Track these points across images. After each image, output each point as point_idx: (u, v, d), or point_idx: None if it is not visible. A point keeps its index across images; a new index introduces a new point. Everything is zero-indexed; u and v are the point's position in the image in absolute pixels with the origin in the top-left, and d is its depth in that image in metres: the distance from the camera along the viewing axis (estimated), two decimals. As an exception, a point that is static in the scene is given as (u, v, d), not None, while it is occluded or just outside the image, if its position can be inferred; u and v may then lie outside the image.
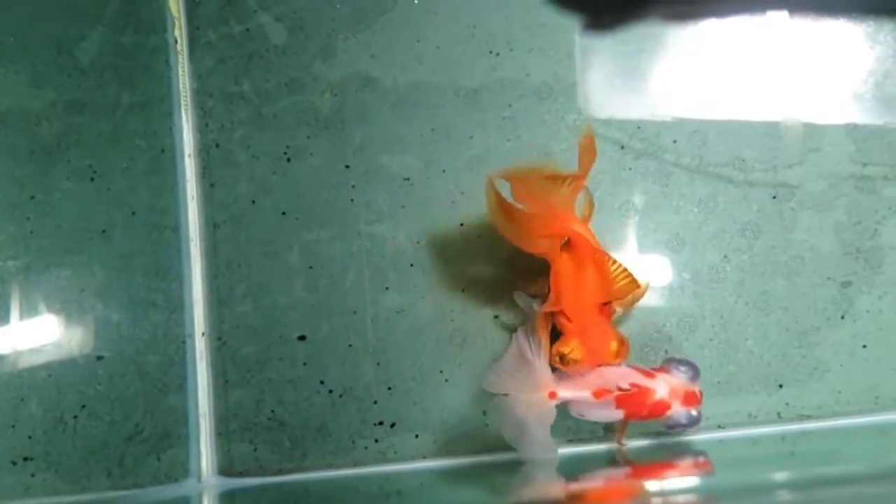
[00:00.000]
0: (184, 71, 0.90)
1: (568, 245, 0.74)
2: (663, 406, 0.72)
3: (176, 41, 0.90)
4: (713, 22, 0.83)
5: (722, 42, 0.86)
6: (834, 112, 0.84)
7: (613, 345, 0.73)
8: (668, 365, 0.73)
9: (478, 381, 0.82)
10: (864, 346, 0.81)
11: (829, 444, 0.79)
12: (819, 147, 0.84)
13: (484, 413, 0.83)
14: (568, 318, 0.73)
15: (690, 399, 0.72)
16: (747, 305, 0.83)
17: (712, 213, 0.84)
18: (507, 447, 0.73)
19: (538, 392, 0.71)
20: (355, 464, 0.83)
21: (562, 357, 0.72)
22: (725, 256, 0.83)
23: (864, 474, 0.65)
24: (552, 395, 0.71)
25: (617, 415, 0.72)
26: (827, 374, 0.81)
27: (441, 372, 0.84)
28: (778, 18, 0.86)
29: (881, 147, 0.83)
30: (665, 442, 0.81)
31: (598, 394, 0.72)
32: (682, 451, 0.80)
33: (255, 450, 0.84)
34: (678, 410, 0.72)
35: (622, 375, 0.72)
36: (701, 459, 0.78)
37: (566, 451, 0.82)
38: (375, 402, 0.84)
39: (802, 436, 0.79)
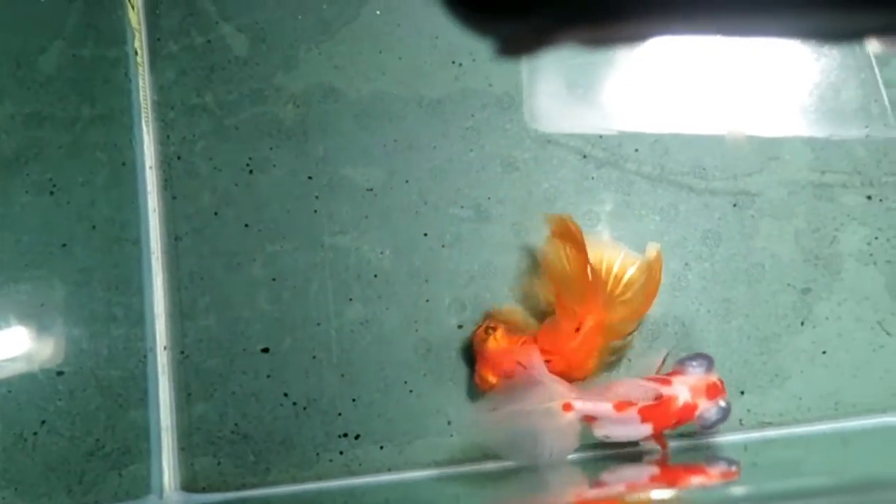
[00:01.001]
0: (145, 83, 0.90)
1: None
2: (691, 409, 0.71)
3: (136, 53, 0.89)
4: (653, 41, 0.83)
5: (678, 55, 0.87)
6: (792, 121, 0.85)
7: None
8: (680, 366, 0.73)
9: (443, 391, 0.82)
10: (824, 353, 0.81)
11: (791, 455, 0.80)
12: (778, 155, 0.84)
13: (448, 423, 0.83)
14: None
15: (713, 391, 0.72)
16: (709, 313, 0.83)
17: (674, 221, 0.85)
18: (474, 458, 0.73)
19: (551, 403, 0.71)
20: (319, 477, 0.82)
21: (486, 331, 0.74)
22: (687, 264, 0.84)
23: (827, 488, 0.65)
24: (567, 406, 0.71)
25: (645, 430, 0.71)
26: (787, 380, 0.81)
27: (405, 383, 0.84)
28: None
29: (839, 155, 0.84)
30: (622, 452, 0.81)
31: (620, 406, 0.71)
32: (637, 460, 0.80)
33: (219, 464, 0.83)
34: (707, 407, 0.71)
35: (639, 388, 0.71)
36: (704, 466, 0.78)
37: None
38: (340, 414, 0.84)
39: (765, 444, 0.79)
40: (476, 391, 0.80)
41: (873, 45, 0.26)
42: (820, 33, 0.28)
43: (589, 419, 0.72)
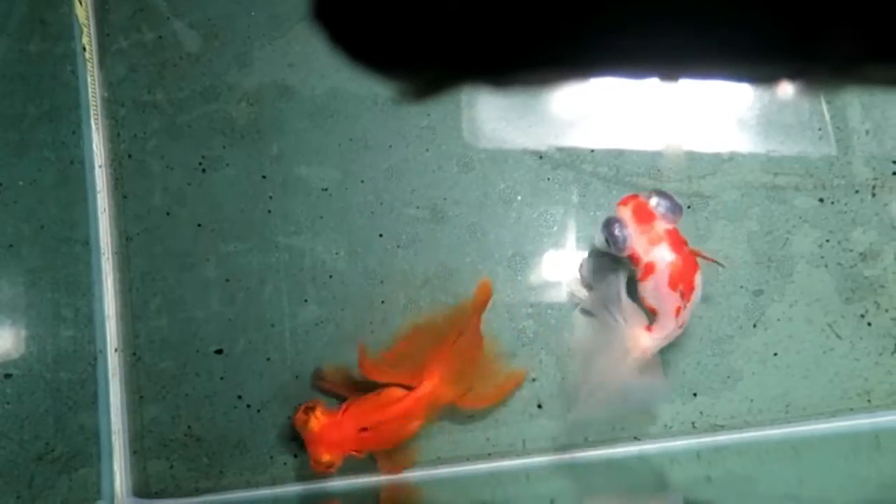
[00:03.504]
0: (94, 79, 0.88)
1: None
2: (681, 241, 0.74)
3: (84, 49, 0.87)
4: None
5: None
6: (746, 125, 0.85)
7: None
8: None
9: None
10: (776, 354, 0.82)
11: (744, 466, 0.81)
12: (732, 157, 0.85)
13: (403, 426, 0.83)
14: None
15: (645, 217, 0.74)
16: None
17: (629, 222, 0.84)
18: (430, 462, 0.73)
19: (633, 329, 0.76)
20: (274, 481, 0.82)
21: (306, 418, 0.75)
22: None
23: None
24: (649, 328, 0.76)
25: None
26: (739, 382, 0.82)
27: (361, 385, 0.84)
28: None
29: (791, 158, 0.85)
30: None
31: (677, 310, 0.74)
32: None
33: (172, 467, 0.83)
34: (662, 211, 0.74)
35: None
36: None
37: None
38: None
39: (717, 452, 0.80)
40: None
41: (793, 88, 0.26)
42: (746, 77, 0.28)
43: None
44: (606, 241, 0.74)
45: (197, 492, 0.82)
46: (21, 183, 0.85)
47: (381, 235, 0.86)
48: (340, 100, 0.88)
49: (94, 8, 0.89)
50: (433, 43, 0.23)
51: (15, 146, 0.85)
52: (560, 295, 0.84)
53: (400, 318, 0.84)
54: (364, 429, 0.76)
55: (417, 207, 0.86)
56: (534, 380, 0.83)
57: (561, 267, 0.84)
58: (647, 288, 0.74)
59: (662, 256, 0.73)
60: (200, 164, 0.87)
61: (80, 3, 0.87)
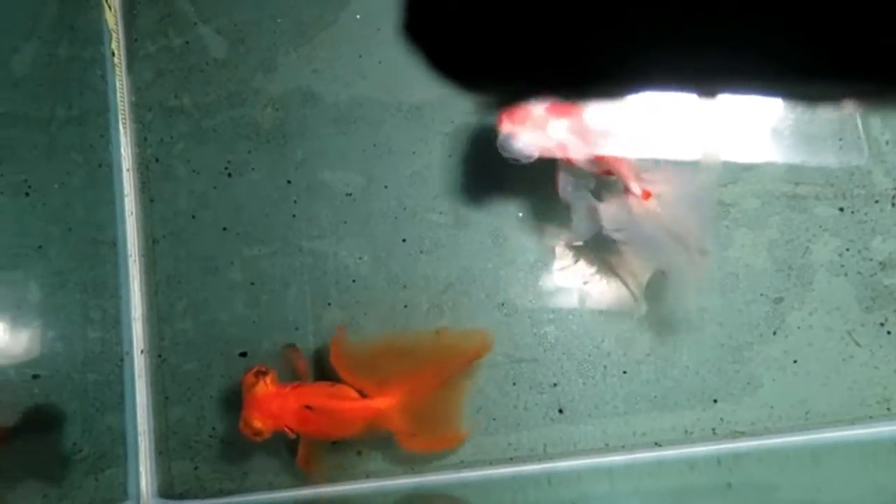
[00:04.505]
0: (122, 84, 0.89)
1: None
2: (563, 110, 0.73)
3: (113, 54, 0.89)
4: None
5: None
6: (768, 134, 0.86)
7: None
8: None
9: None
10: (795, 362, 0.83)
11: (764, 473, 0.81)
12: (752, 167, 0.85)
13: (425, 429, 0.84)
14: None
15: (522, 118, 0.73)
16: (683, 321, 0.84)
17: (650, 230, 0.85)
18: (453, 466, 0.74)
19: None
20: (296, 482, 0.83)
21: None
22: (662, 272, 0.85)
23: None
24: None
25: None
26: (759, 389, 0.83)
27: (383, 388, 0.84)
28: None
29: (812, 167, 0.85)
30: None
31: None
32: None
33: (196, 468, 0.83)
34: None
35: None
36: None
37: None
38: (317, 420, 0.84)
39: (737, 459, 0.81)
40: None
41: (849, 108, 0.27)
42: (772, 94, 0.29)
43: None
44: (515, 160, 0.73)
45: (221, 493, 0.83)
46: (50, 185, 0.86)
47: (404, 240, 0.86)
48: (364, 106, 0.89)
49: (123, 13, 0.90)
50: (511, 59, 0.24)
51: (44, 149, 0.86)
52: (582, 301, 0.84)
53: (423, 322, 0.85)
54: (307, 407, 0.75)
55: (440, 213, 0.86)
56: (555, 385, 0.84)
57: (587, 274, 0.85)
58: (580, 160, 0.74)
59: (559, 131, 0.73)
60: (226, 168, 0.88)
61: (110, 8, 0.88)
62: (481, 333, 0.82)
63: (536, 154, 0.73)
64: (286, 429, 0.76)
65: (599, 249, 0.84)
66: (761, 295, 0.84)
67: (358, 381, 0.78)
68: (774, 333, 0.83)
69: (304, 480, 0.82)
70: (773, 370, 0.83)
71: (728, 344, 0.84)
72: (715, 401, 0.83)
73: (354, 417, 0.77)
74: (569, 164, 0.75)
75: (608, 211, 0.76)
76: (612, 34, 0.24)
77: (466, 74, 0.25)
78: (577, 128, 0.73)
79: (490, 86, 0.26)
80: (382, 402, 0.77)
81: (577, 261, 0.85)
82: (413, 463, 0.82)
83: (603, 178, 0.77)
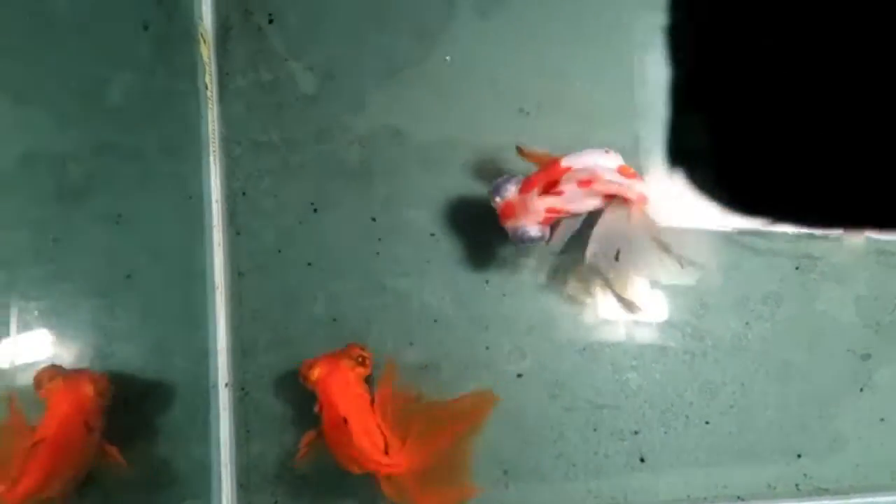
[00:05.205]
0: (213, 116, 0.90)
1: None
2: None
3: (206, 87, 0.90)
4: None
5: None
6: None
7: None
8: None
9: (500, 441, 0.83)
10: (882, 420, 0.82)
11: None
12: (843, 221, 0.85)
13: (505, 472, 0.83)
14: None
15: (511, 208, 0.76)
16: (768, 374, 0.84)
17: (735, 281, 0.85)
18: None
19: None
20: (374, 520, 0.83)
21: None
22: (747, 324, 0.84)
23: None
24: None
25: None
26: (846, 446, 0.82)
27: (463, 429, 0.84)
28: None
29: (904, 223, 0.85)
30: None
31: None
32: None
33: (276, 502, 0.84)
34: None
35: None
36: None
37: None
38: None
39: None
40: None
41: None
42: None
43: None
44: (529, 241, 0.76)
45: (301, 528, 0.83)
46: (140, 215, 0.87)
47: (487, 282, 0.87)
48: (451, 145, 0.89)
49: (216, 47, 0.91)
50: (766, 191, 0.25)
51: (136, 178, 0.88)
52: (666, 349, 0.84)
53: (504, 364, 0.85)
54: (344, 420, 0.75)
55: (524, 256, 0.87)
56: (636, 432, 0.83)
57: (671, 322, 0.84)
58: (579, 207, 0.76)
59: (550, 201, 0.75)
60: (312, 203, 0.89)
61: (205, 42, 0.90)
62: (486, 394, 0.81)
63: (547, 233, 0.77)
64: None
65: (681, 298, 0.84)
66: (848, 350, 0.83)
67: (385, 425, 0.77)
68: (861, 390, 0.83)
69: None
70: (859, 427, 0.82)
71: (814, 399, 0.83)
72: (799, 456, 0.82)
73: (362, 459, 0.75)
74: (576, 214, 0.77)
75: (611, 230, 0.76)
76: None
77: (732, 202, 0.26)
78: (563, 187, 0.75)
79: (750, 211, 0.27)
80: (395, 466, 0.75)
81: (660, 310, 0.85)
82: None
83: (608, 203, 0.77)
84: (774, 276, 0.85)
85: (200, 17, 0.90)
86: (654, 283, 0.85)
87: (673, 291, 0.85)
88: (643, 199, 0.76)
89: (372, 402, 0.79)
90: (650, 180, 0.77)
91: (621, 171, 0.76)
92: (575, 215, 0.77)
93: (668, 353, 0.84)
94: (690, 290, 0.85)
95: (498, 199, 0.77)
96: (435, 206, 0.88)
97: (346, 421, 0.75)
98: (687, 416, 0.83)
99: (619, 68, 0.88)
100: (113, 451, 0.78)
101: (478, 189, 0.88)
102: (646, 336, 0.85)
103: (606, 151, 0.77)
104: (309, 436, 0.80)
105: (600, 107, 0.88)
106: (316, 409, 0.78)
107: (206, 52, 0.90)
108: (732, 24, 0.24)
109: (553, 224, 0.78)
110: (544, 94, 0.89)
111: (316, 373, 0.78)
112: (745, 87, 0.24)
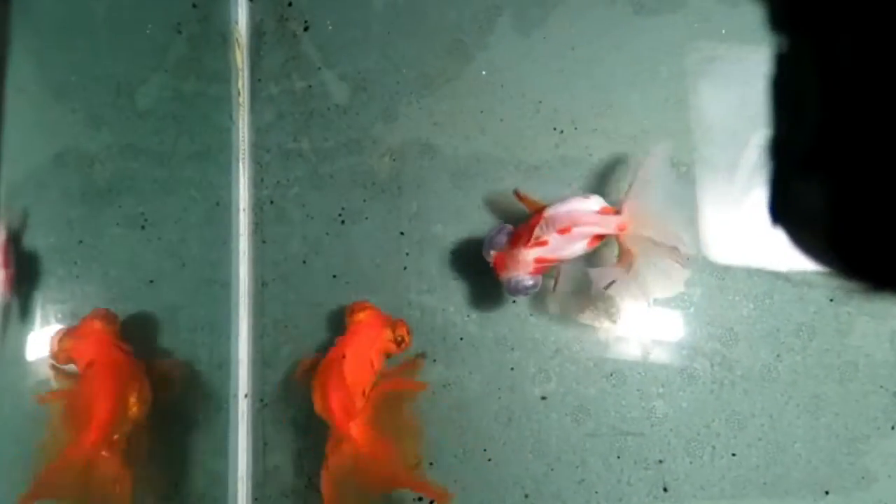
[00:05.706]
0: (243, 123, 0.89)
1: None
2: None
3: (238, 93, 0.89)
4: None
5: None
6: None
7: None
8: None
9: (522, 463, 0.81)
10: (913, 460, 0.80)
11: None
12: (880, 255, 0.83)
13: (526, 496, 0.82)
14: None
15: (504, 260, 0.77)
16: (798, 407, 0.82)
17: (768, 310, 0.84)
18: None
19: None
20: (391, 540, 0.82)
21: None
22: (778, 356, 0.83)
23: None
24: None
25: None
26: (874, 484, 0.80)
27: (485, 451, 0.83)
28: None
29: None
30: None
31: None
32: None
33: (291, 517, 0.83)
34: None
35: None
36: None
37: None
38: (417, 478, 0.83)
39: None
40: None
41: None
42: None
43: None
44: (524, 290, 0.76)
45: (317, 545, 0.82)
46: (166, 220, 0.86)
47: (514, 302, 0.85)
48: (483, 162, 0.88)
49: (249, 53, 0.90)
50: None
51: (163, 183, 0.87)
52: (694, 378, 0.83)
53: (529, 386, 0.84)
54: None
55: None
56: (661, 461, 0.82)
57: (700, 350, 0.83)
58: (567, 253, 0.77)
59: (540, 252, 0.76)
60: (340, 215, 0.88)
61: (239, 47, 0.89)
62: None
63: (540, 281, 0.77)
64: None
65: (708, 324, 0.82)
66: (881, 387, 0.82)
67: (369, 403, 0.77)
68: (893, 428, 0.81)
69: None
70: (889, 465, 0.81)
71: (843, 435, 0.81)
72: (826, 492, 0.81)
73: (335, 404, 0.74)
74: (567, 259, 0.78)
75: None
76: None
77: (831, 259, 0.26)
78: (546, 237, 0.76)
79: (851, 272, 0.26)
80: (352, 435, 0.75)
81: (688, 337, 0.84)
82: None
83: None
84: (808, 308, 0.83)
85: (236, 22, 0.90)
86: (684, 309, 0.83)
87: (703, 320, 0.83)
88: (623, 228, 0.76)
89: (377, 378, 0.78)
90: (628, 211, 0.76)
91: (602, 212, 0.76)
92: (566, 260, 0.78)
93: (697, 382, 0.83)
94: (720, 318, 0.83)
95: (491, 253, 0.77)
96: (464, 223, 0.87)
97: (343, 357, 0.75)
98: (713, 447, 0.82)
99: (664, 92, 0.86)
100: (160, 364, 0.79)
101: (509, 206, 0.86)
102: (674, 364, 0.83)
103: (587, 197, 0.78)
104: (304, 364, 0.81)
105: (640, 129, 0.87)
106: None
107: (240, 57, 0.90)
108: (868, 85, 0.23)
109: (552, 269, 0.78)
110: (579, 113, 0.88)
111: (361, 315, 0.78)
112: (872, 148, 0.24)
